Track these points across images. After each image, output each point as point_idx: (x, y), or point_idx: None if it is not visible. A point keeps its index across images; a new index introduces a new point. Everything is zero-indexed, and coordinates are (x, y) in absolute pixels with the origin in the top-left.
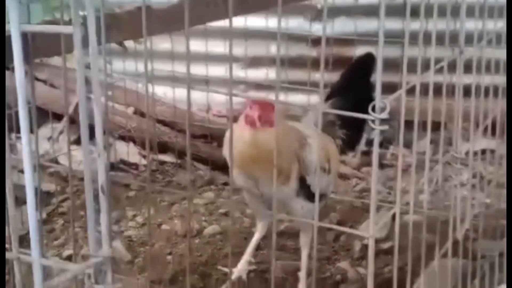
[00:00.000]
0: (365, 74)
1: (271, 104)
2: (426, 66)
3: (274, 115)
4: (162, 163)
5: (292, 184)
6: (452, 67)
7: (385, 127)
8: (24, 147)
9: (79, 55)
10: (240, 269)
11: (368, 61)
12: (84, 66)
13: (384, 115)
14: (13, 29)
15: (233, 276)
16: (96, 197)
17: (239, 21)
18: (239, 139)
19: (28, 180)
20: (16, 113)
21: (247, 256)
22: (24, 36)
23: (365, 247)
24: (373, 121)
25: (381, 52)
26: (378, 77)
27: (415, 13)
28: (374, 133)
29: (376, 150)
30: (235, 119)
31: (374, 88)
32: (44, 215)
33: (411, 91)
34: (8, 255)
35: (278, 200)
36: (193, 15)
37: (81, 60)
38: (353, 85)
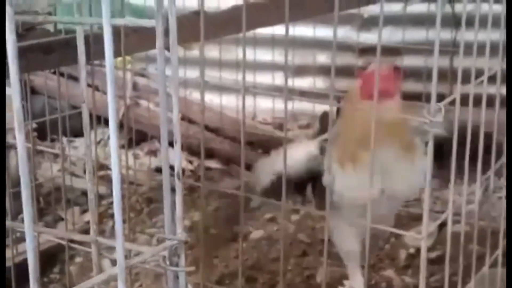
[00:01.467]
0: None
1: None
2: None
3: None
4: (207, 169)
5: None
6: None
7: (439, 131)
8: (113, 145)
9: (160, 45)
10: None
11: None
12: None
13: (439, 118)
14: (105, 21)
15: None
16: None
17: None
18: (362, 119)
19: (115, 163)
20: (70, 116)
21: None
22: (87, 37)
23: (410, 256)
24: (428, 124)
25: (437, 53)
26: (434, 79)
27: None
28: (428, 137)
29: (430, 152)
30: (281, 127)
31: None
32: None
33: (462, 103)
34: (87, 237)
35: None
36: (247, 20)
37: (162, 52)
38: None
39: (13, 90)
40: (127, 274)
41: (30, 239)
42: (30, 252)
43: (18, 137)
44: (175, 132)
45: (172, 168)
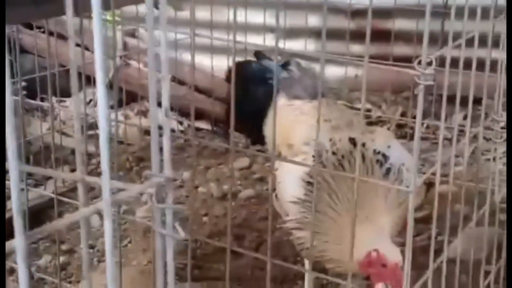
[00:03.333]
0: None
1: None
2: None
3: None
4: (198, 129)
5: None
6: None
7: (431, 82)
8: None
9: None
10: None
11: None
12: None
13: (430, 70)
14: None
15: None
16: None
17: None
18: None
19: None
20: (61, 76)
21: None
22: None
23: None
24: (419, 76)
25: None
26: (426, 32)
27: None
28: (419, 89)
29: (420, 106)
30: None
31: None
32: None
33: (453, 66)
34: (73, 176)
35: None
36: None
37: (151, 3)
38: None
39: None
40: (116, 229)
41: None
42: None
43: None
44: (163, 68)
45: (160, 127)
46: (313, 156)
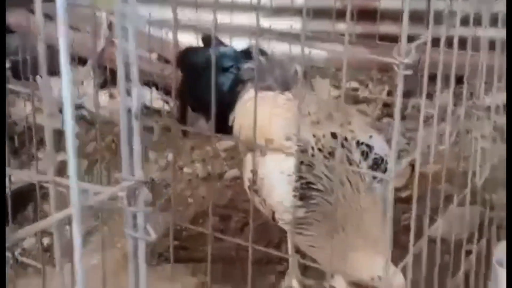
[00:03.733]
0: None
1: None
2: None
3: None
4: None
5: None
6: (477, 20)
7: (409, 72)
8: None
9: None
10: None
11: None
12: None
13: (410, 60)
14: None
15: None
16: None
17: None
18: None
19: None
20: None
21: None
22: None
23: None
24: (397, 65)
25: None
26: (405, 23)
27: None
28: (398, 79)
29: (400, 94)
30: None
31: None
32: None
33: (435, 44)
34: (44, 177)
35: None
36: None
37: None
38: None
39: None
40: (90, 215)
41: None
42: None
43: None
44: (133, 70)
45: (147, 107)
46: (299, 151)
